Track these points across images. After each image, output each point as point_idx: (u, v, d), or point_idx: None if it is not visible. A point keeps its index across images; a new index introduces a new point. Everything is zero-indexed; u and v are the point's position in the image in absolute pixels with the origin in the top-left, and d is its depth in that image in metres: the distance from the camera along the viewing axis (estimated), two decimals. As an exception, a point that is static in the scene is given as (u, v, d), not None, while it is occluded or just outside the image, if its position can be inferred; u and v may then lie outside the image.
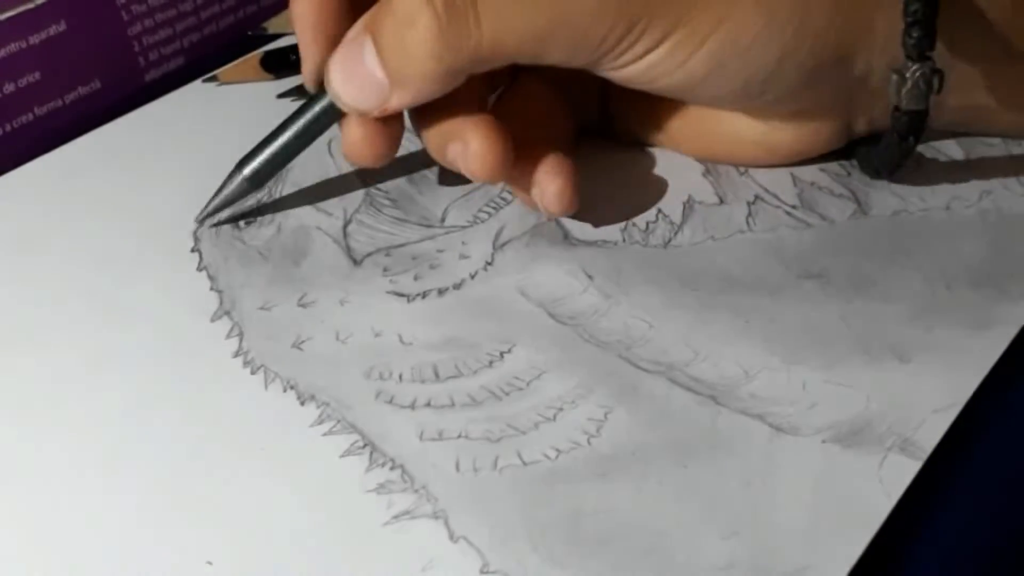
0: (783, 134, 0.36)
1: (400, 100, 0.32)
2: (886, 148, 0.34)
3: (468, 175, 0.33)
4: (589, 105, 0.38)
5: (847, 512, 0.26)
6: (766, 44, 0.31)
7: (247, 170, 0.35)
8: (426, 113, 0.33)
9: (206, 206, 0.36)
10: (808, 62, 0.32)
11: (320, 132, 0.35)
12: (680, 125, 0.37)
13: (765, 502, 0.27)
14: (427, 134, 0.34)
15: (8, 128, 0.41)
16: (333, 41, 0.33)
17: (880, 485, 0.27)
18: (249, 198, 0.37)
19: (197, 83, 0.44)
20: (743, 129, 0.36)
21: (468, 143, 0.32)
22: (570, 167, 0.34)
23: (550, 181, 0.33)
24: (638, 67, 0.32)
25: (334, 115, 0.34)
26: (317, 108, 0.34)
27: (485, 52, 0.30)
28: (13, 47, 0.41)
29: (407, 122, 0.35)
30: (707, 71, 0.32)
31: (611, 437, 0.29)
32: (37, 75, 0.42)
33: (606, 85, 0.35)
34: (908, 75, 0.31)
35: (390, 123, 0.34)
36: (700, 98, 0.34)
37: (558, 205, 0.34)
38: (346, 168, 0.39)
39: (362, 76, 0.31)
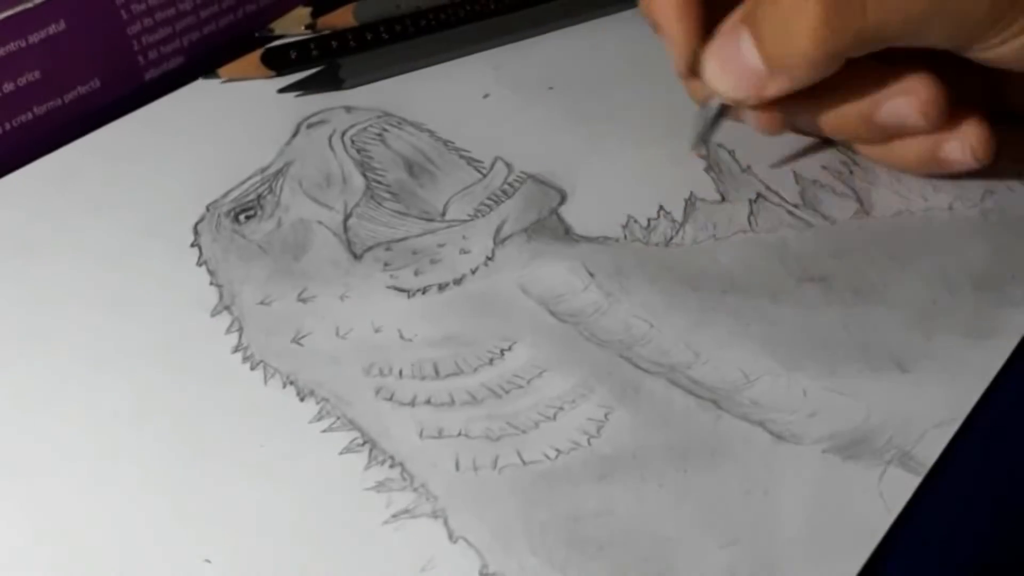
0: None
1: (777, 87, 0.32)
2: None
3: (915, 126, 0.33)
4: None
5: (847, 525, 0.26)
6: None
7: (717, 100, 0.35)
8: (845, 85, 0.33)
9: (698, 133, 0.36)
10: None
11: None
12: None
13: (765, 511, 0.27)
14: (850, 107, 0.34)
15: (7, 127, 0.41)
16: (699, 24, 0.34)
17: (881, 500, 0.27)
18: (250, 192, 0.37)
19: (198, 80, 0.44)
20: None
21: (917, 93, 0.32)
22: (985, 116, 0.34)
23: (972, 129, 0.33)
24: (1013, 45, 0.31)
25: None
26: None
27: (868, 36, 0.30)
28: (12, 46, 0.40)
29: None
30: None
31: (611, 438, 0.29)
32: (36, 74, 0.42)
33: None
34: None
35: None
36: None
37: (984, 150, 0.34)
38: (347, 161, 0.39)
39: (739, 66, 0.32)
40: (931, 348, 0.30)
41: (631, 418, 0.29)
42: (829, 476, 0.27)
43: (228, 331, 0.33)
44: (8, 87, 0.41)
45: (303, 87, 0.43)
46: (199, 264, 0.35)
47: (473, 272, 0.34)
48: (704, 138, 0.36)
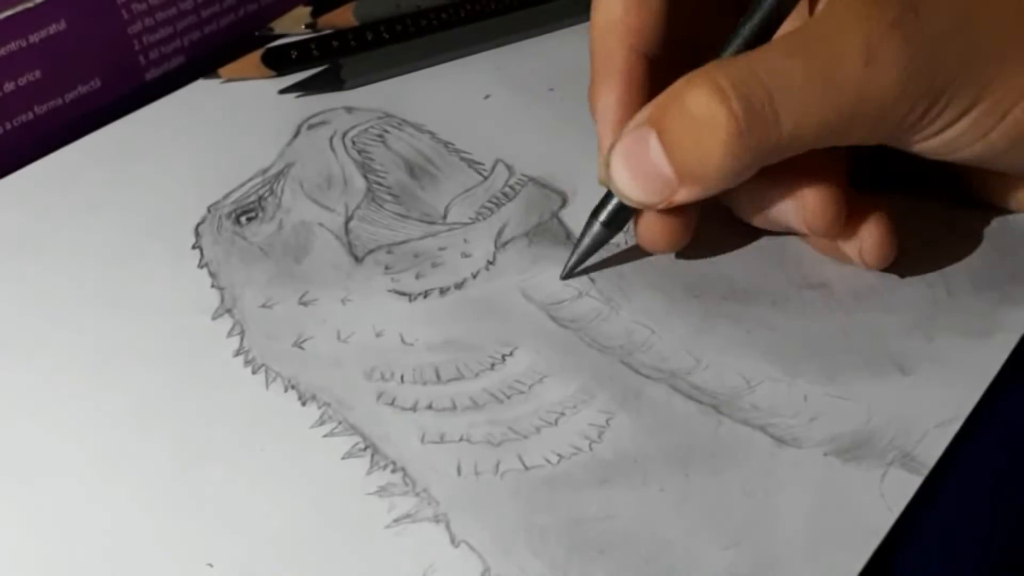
0: None
1: (688, 195, 0.30)
2: None
3: (804, 230, 0.32)
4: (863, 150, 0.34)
5: (848, 525, 0.26)
6: None
7: (603, 216, 0.33)
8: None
9: (568, 261, 0.34)
10: None
11: None
12: (977, 176, 0.34)
13: (766, 513, 0.27)
14: (743, 199, 0.33)
15: (8, 127, 0.41)
16: None
17: (882, 500, 0.27)
18: (251, 194, 0.37)
19: (198, 81, 0.44)
20: None
21: (805, 200, 0.31)
22: (886, 217, 0.32)
23: (868, 233, 0.32)
24: (937, 141, 0.30)
25: None
26: None
27: (784, 146, 0.29)
28: (13, 46, 0.40)
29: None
30: (1009, 142, 0.30)
31: (613, 443, 0.29)
32: (37, 74, 0.42)
33: None
34: None
35: (686, 210, 0.32)
36: (999, 166, 0.32)
37: (874, 257, 0.32)
38: (348, 163, 0.39)
39: (647, 171, 0.30)
40: (932, 350, 0.31)
41: (632, 423, 0.29)
42: (830, 478, 0.27)
43: (229, 335, 0.33)
44: (9, 87, 0.41)
45: (304, 88, 0.43)
46: (200, 266, 0.35)
47: (474, 276, 0.34)
48: (583, 259, 0.34)
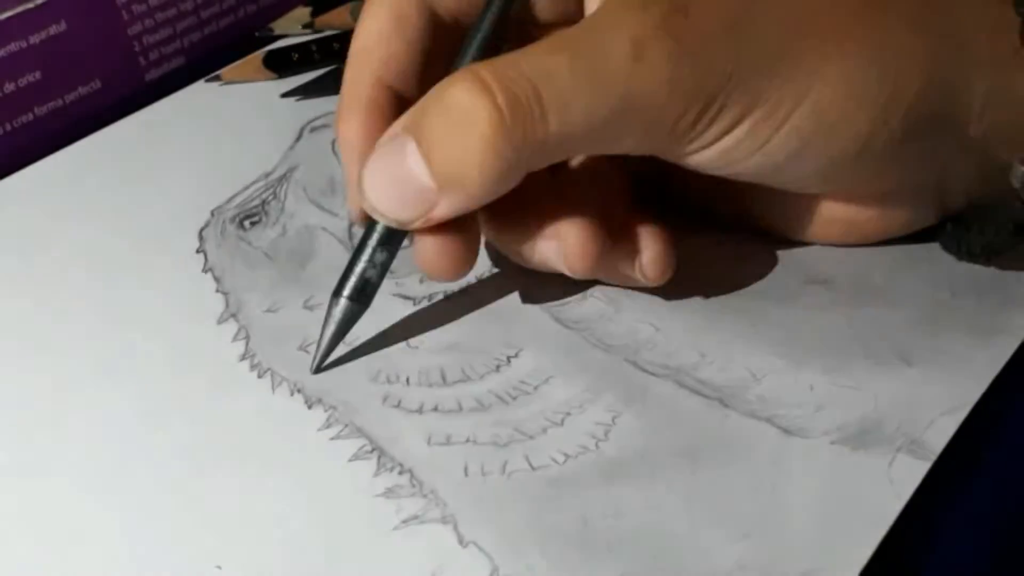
0: (871, 213, 0.32)
1: (448, 207, 0.28)
2: (994, 235, 0.31)
3: (566, 272, 0.31)
4: (647, 169, 0.33)
5: (857, 513, 0.26)
6: (853, 120, 0.28)
7: (346, 291, 0.31)
8: (502, 215, 0.31)
9: (316, 352, 0.31)
10: (899, 136, 0.29)
11: (404, 236, 0.31)
12: (758, 202, 0.33)
13: (774, 505, 0.27)
14: (506, 237, 0.32)
15: (8, 128, 0.41)
16: None
17: (890, 486, 0.27)
18: (254, 198, 0.37)
19: (200, 83, 0.44)
20: (826, 208, 0.33)
21: (565, 239, 0.30)
22: (664, 232, 0.31)
23: (645, 247, 0.31)
24: (713, 151, 0.29)
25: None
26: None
27: (551, 146, 0.27)
28: (13, 47, 0.41)
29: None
30: (788, 153, 0.29)
31: (619, 441, 0.29)
32: (37, 75, 0.42)
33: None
34: None
35: (466, 232, 0.30)
36: (780, 182, 0.31)
37: (655, 271, 0.31)
38: (350, 167, 0.39)
39: (403, 182, 0.28)
40: (937, 345, 0.31)
41: (638, 421, 0.29)
42: (838, 466, 0.28)
43: (235, 339, 0.33)
44: (9, 87, 0.41)
45: (306, 91, 0.43)
46: (204, 271, 0.35)
47: (478, 279, 0.34)
48: (334, 344, 0.31)
